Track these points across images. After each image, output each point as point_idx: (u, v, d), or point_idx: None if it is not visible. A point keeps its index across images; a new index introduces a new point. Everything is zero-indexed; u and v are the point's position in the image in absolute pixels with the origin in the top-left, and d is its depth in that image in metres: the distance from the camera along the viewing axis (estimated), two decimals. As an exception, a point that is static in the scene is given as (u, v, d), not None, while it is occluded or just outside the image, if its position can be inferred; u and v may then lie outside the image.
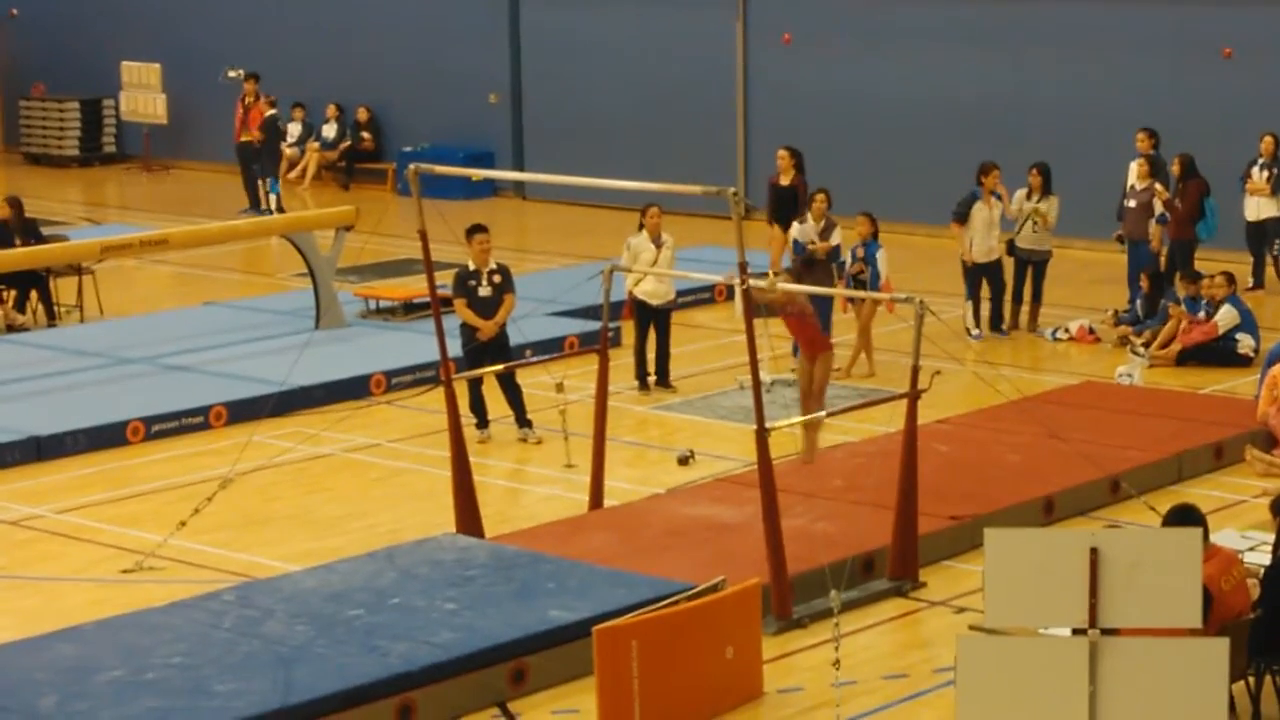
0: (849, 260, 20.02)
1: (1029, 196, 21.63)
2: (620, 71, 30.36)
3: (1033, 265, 21.71)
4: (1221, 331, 20.19)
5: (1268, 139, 23.31)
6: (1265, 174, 23.30)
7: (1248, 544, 12.95)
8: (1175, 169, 22.23)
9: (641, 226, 19.24)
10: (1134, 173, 22.15)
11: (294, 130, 32.87)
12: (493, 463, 17.14)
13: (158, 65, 34.85)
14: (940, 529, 14.44)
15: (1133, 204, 22.04)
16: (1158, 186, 21.98)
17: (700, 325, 22.10)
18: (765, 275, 16.86)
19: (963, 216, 21.13)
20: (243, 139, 30.27)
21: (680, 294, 20.26)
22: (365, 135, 32.87)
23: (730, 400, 19.02)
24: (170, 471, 17.02)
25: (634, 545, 14.15)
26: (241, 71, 31.29)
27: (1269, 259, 23.71)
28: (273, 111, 29.97)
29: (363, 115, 32.88)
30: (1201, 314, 20.27)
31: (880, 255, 19.92)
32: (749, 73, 29.26)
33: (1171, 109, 24.90)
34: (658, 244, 19.18)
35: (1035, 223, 21.55)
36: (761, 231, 22.72)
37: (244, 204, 30.17)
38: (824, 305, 19.96)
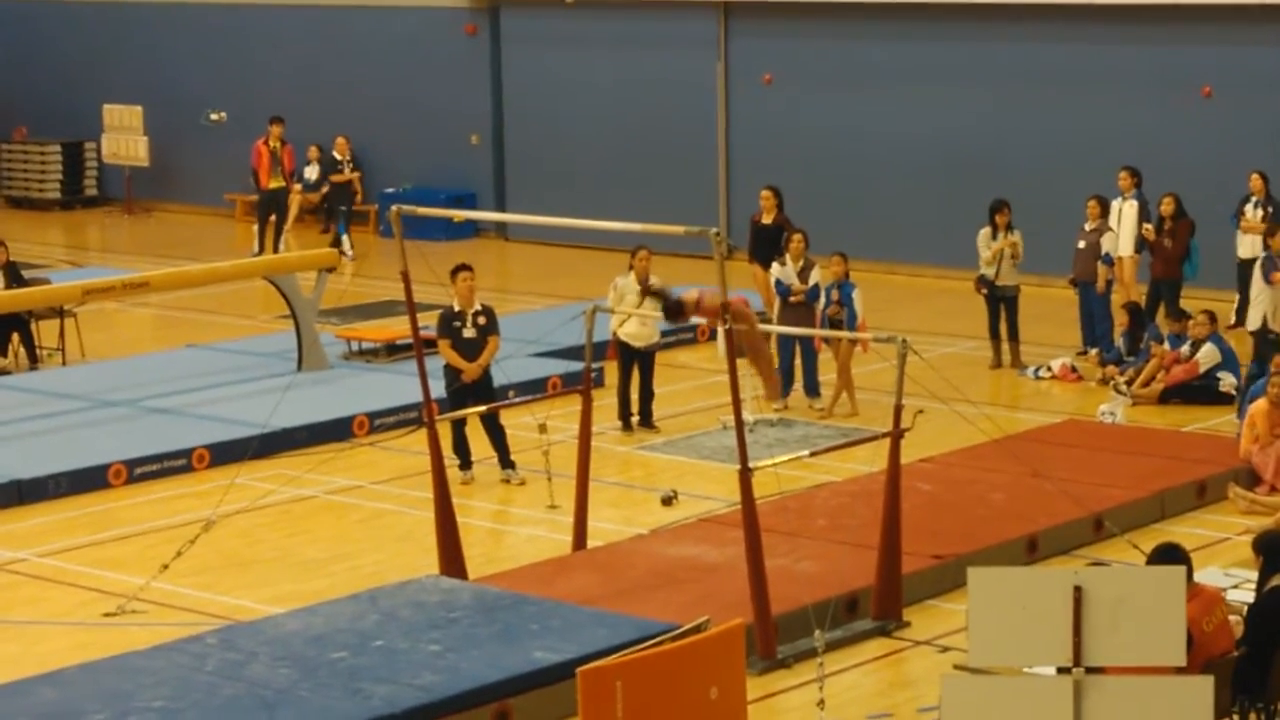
0: (823, 300, 20.00)
1: (995, 234, 21.60)
2: (602, 112, 30.39)
3: (1005, 302, 21.72)
4: (1203, 370, 20.20)
5: (1255, 177, 23.27)
6: (1259, 212, 23.24)
7: (1231, 581, 12.97)
8: (1167, 208, 22.23)
9: (631, 268, 19.23)
10: (1088, 213, 22.04)
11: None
12: (476, 504, 17.11)
13: (139, 108, 34.82)
14: (924, 568, 14.44)
15: (1082, 245, 21.98)
16: (1146, 225, 21.98)
17: (683, 365, 22.10)
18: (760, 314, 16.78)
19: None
20: (271, 185, 29.87)
21: (663, 334, 20.27)
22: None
23: (713, 440, 19.01)
24: (152, 514, 16.97)
25: (618, 586, 14.13)
26: (224, 114, 31.20)
27: None
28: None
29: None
30: (1186, 348, 20.28)
31: (855, 295, 19.93)
32: (730, 113, 29.32)
33: (1152, 147, 24.92)
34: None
35: (1013, 256, 21.54)
36: (743, 271, 22.72)
37: (253, 248, 29.89)
38: (806, 345, 20.05)
